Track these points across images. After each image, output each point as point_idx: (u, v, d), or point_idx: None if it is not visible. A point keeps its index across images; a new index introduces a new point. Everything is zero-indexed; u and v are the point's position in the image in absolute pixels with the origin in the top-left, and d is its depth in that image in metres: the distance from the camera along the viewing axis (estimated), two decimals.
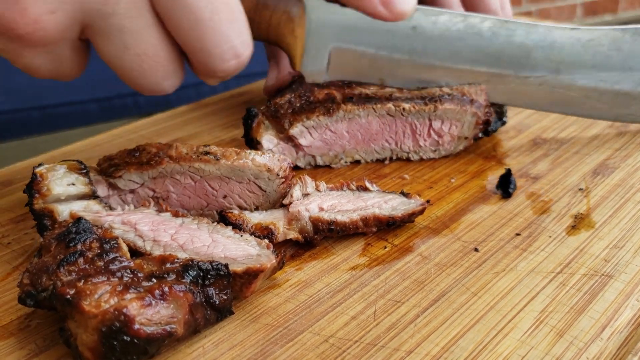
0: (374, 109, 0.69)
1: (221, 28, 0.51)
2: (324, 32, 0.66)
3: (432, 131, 0.71)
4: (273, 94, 0.78)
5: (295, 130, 0.69)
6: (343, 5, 0.62)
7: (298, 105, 0.69)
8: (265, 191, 0.60)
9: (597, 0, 3.52)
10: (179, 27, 0.51)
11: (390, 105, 0.69)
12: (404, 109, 0.68)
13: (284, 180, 0.59)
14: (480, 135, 0.73)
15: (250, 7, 0.61)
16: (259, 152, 0.58)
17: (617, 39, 0.72)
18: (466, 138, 0.72)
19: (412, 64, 0.71)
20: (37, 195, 0.55)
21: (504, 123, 0.76)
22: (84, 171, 0.57)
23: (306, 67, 0.68)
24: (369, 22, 0.58)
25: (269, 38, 0.65)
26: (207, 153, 0.58)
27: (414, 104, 0.69)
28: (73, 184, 0.56)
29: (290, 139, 0.70)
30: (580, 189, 0.65)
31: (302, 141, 0.70)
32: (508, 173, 0.65)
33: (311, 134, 0.70)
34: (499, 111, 0.75)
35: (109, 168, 0.58)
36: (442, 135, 0.71)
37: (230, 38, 0.52)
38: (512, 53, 0.71)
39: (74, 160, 0.58)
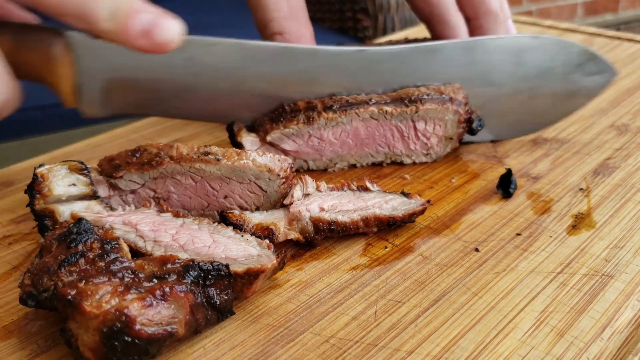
0: (356, 113, 0.67)
1: None
2: (94, 68, 0.62)
3: (419, 133, 0.70)
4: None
5: (273, 136, 0.67)
6: None
7: (276, 114, 0.68)
8: (266, 191, 0.60)
9: None
10: None
11: (372, 108, 0.67)
12: (386, 111, 0.67)
13: (284, 180, 0.59)
14: (465, 135, 0.71)
15: (9, 48, 0.58)
16: (260, 153, 0.58)
17: (407, 58, 0.69)
18: (451, 138, 0.70)
19: (193, 96, 0.67)
20: (38, 195, 0.55)
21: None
22: (85, 171, 0.57)
23: (81, 104, 0.64)
24: (142, 55, 0.54)
25: (35, 77, 0.62)
26: (207, 153, 0.58)
27: (396, 106, 0.67)
28: (74, 185, 0.56)
29: (271, 144, 0.69)
30: (581, 189, 0.65)
31: (286, 146, 0.69)
32: (508, 173, 0.65)
33: (294, 141, 0.68)
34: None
35: (110, 168, 0.59)
36: (428, 136, 0.70)
37: None
38: (296, 79, 0.68)
39: (75, 161, 0.58)
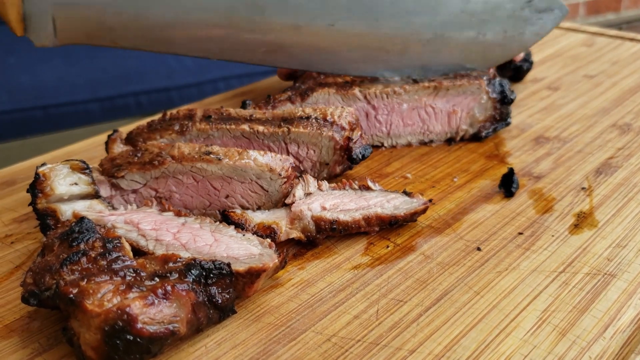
0: (228, 130, 0.64)
1: None
2: None
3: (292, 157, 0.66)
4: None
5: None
6: None
7: (155, 122, 0.66)
8: (267, 191, 0.60)
9: None
10: None
11: (244, 126, 0.64)
12: (258, 131, 0.63)
13: (286, 180, 0.59)
14: (345, 164, 0.66)
15: None
16: (261, 152, 0.58)
17: None
18: (327, 164, 0.66)
19: (140, 25, 0.66)
20: (40, 194, 0.55)
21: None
22: (87, 171, 0.57)
23: (31, 32, 0.64)
24: None
25: None
26: (209, 153, 0.58)
27: (268, 127, 0.64)
28: (76, 184, 0.56)
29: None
30: (583, 188, 0.65)
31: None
32: (510, 172, 0.65)
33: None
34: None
35: (112, 168, 0.59)
36: (301, 160, 0.65)
37: None
38: (245, 10, 0.67)
39: (76, 160, 0.58)
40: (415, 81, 0.74)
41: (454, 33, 0.73)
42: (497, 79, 0.74)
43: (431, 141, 0.77)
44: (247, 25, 0.68)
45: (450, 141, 0.77)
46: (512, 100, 0.74)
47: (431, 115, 0.75)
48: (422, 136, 0.76)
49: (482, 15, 0.72)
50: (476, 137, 0.76)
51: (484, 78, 0.73)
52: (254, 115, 0.65)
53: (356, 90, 0.73)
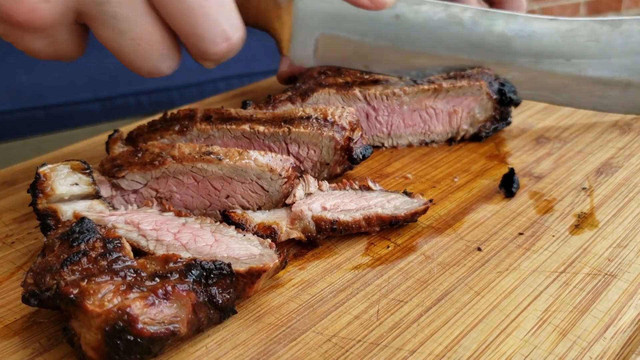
0: (229, 130, 0.64)
1: (211, 13, 0.54)
2: (311, 19, 0.70)
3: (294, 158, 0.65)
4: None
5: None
6: None
7: (156, 122, 0.67)
8: (267, 191, 0.60)
9: None
10: (171, 14, 0.54)
11: (245, 126, 0.64)
12: (258, 131, 0.64)
13: (286, 180, 0.59)
14: (346, 164, 0.66)
15: None
16: (262, 152, 0.58)
17: (595, 30, 0.74)
18: (327, 164, 0.66)
19: (396, 51, 0.74)
20: (40, 195, 0.55)
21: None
22: (88, 171, 0.57)
23: (294, 52, 0.73)
24: (354, 11, 0.62)
25: (258, 23, 0.69)
26: (209, 153, 0.58)
27: (268, 127, 0.64)
28: (76, 184, 0.56)
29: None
30: (584, 188, 0.65)
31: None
32: (511, 172, 0.65)
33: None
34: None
35: (112, 168, 0.59)
36: (301, 160, 0.66)
37: (220, 22, 0.55)
38: (492, 42, 0.74)
39: (77, 160, 0.58)
40: (415, 82, 0.74)
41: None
42: (498, 80, 0.74)
43: (432, 141, 0.77)
44: (493, 60, 0.76)
45: (450, 141, 0.77)
46: (512, 100, 0.74)
47: (432, 116, 0.75)
48: (423, 136, 0.76)
49: None
50: (476, 137, 0.76)
51: (485, 79, 0.73)
52: (255, 116, 0.65)
53: (356, 91, 0.73)
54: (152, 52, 0.57)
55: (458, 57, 0.74)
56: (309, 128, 0.63)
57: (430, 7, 0.72)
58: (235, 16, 0.57)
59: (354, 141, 0.65)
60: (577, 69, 0.75)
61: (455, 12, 0.73)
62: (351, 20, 0.72)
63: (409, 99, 0.74)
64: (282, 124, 0.64)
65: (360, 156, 0.66)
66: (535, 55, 0.75)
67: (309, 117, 0.64)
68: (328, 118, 0.64)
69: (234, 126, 0.64)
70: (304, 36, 0.72)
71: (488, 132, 0.76)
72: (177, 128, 0.64)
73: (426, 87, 0.73)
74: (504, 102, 0.74)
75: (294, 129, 0.63)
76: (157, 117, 0.69)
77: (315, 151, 0.65)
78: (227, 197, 0.60)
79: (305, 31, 0.72)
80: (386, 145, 0.76)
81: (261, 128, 0.64)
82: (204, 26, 0.55)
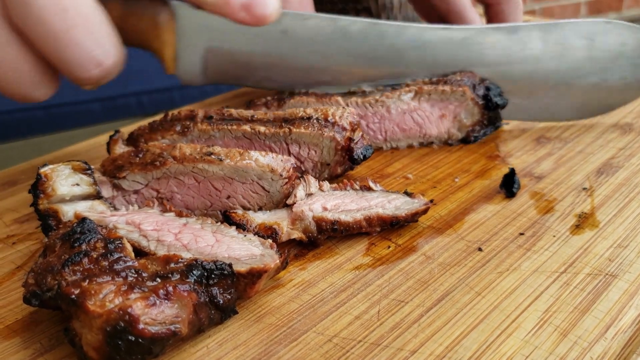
0: (230, 130, 0.64)
1: (78, 40, 0.53)
2: (195, 37, 0.68)
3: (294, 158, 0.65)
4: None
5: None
6: None
7: (157, 122, 0.66)
8: (268, 191, 0.60)
9: None
10: (36, 41, 0.53)
11: (246, 127, 0.64)
12: (259, 131, 0.63)
13: (287, 180, 0.59)
14: (347, 165, 0.66)
15: (118, 15, 0.63)
16: (262, 153, 0.58)
17: (491, 38, 0.73)
18: (328, 165, 0.66)
19: (285, 67, 0.72)
20: (41, 195, 0.55)
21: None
22: (89, 171, 0.57)
23: (180, 71, 0.70)
24: (240, 27, 0.59)
25: (140, 44, 0.67)
26: (210, 154, 0.58)
27: (269, 127, 0.64)
28: (77, 185, 0.56)
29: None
30: (585, 188, 0.65)
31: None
32: (512, 172, 0.65)
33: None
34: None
35: (113, 169, 0.59)
36: (302, 160, 0.65)
37: (90, 48, 0.53)
38: (383, 54, 0.72)
39: (78, 161, 0.58)
40: (394, 88, 0.74)
41: (578, 79, 0.76)
42: (483, 84, 0.74)
43: (431, 143, 0.77)
44: (387, 72, 0.74)
45: (449, 142, 0.77)
46: (498, 105, 0.74)
47: (424, 119, 0.75)
48: (421, 139, 0.76)
49: (605, 62, 0.75)
50: (466, 141, 0.76)
51: (468, 83, 0.73)
52: (256, 116, 0.65)
53: (339, 99, 0.73)
54: (23, 80, 0.55)
55: (351, 70, 0.73)
56: (310, 128, 0.63)
57: (317, 22, 0.70)
58: (108, 40, 0.55)
59: (355, 141, 0.65)
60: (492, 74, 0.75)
61: (343, 25, 0.71)
62: (237, 36, 0.70)
63: (394, 103, 0.73)
64: (283, 124, 0.64)
65: (361, 156, 0.66)
66: (429, 66, 0.73)
67: (309, 118, 0.64)
68: (329, 118, 0.64)
69: (235, 127, 0.64)
70: (189, 54, 0.69)
71: (477, 137, 0.76)
72: (178, 128, 0.64)
73: (406, 89, 0.73)
74: (490, 107, 0.73)
75: (294, 130, 0.63)
76: (158, 117, 0.69)
77: (316, 152, 0.65)
78: (228, 197, 0.60)
79: (190, 49, 0.69)
80: (385, 148, 0.76)
81: (262, 128, 0.64)
82: (72, 53, 0.53)
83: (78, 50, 0.53)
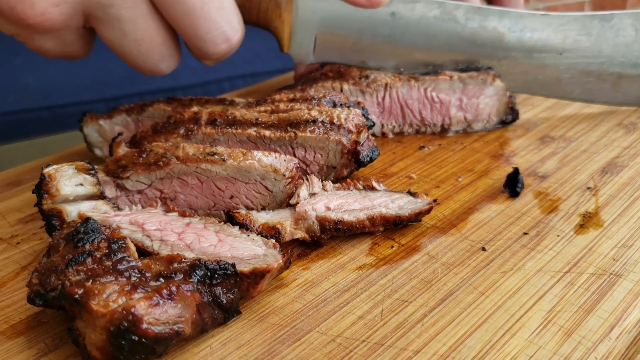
0: (234, 134, 0.63)
1: (211, 16, 0.57)
2: (310, 18, 0.73)
3: (300, 163, 0.65)
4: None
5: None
6: None
7: (160, 125, 0.66)
8: (271, 191, 0.60)
9: None
10: (173, 16, 0.57)
11: (251, 131, 0.63)
12: (264, 135, 0.63)
13: (290, 180, 0.59)
14: (353, 167, 0.66)
15: None
16: (265, 153, 0.58)
17: (586, 24, 0.76)
18: (334, 168, 0.66)
19: (392, 47, 0.77)
20: (45, 195, 0.55)
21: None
22: (92, 172, 0.58)
23: (294, 49, 0.76)
24: (351, 9, 0.65)
25: (259, 22, 0.72)
26: (213, 154, 0.58)
27: (274, 131, 0.63)
28: (81, 185, 0.56)
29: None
30: (589, 188, 0.65)
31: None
32: (515, 172, 0.65)
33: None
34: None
35: (117, 169, 0.59)
36: (308, 164, 0.65)
37: (220, 24, 0.58)
38: (485, 37, 0.76)
39: (82, 161, 0.58)
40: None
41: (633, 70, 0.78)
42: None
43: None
44: (487, 54, 0.78)
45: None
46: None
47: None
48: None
49: None
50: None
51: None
52: (260, 119, 0.64)
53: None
54: (154, 52, 0.59)
55: (452, 52, 0.77)
56: (316, 132, 0.63)
57: (424, 5, 0.75)
58: (235, 18, 0.59)
59: (361, 144, 0.65)
60: (569, 62, 0.77)
61: (449, 9, 0.75)
62: (348, 18, 0.74)
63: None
64: (289, 128, 0.63)
65: (367, 159, 0.66)
66: (527, 50, 0.76)
67: (314, 121, 0.63)
68: (334, 121, 0.64)
69: (239, 130, 0.64)
70: (303, 34, 0.75)
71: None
72: (181, 131, 0.64)
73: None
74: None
75: (300, 134, 0.63)
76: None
77: (322, 155, 0.65)
78: (231, 197, 0.60)
79: (304, 29, 0.74)
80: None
81: (267, 132, 0.63)
82: (205, 28, 0.57)
83: (210, 25, 0.57)
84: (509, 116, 0.79)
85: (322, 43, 0.76)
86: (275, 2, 0.72)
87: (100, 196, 0.57)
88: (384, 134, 0.80)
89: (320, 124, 0.63)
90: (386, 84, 0.76)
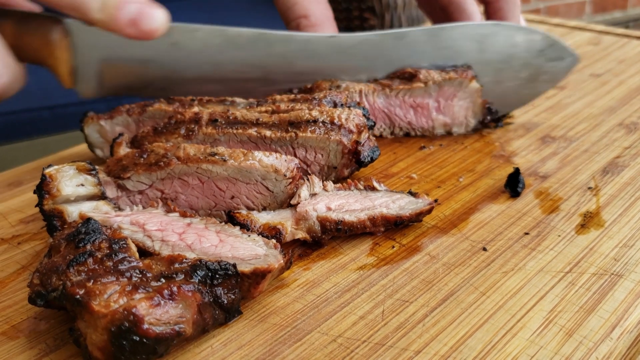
0: (235, 134, 0.63)
1: None
2: (90, 52, 0.69)
3: (301, 163, 0.65)
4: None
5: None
6: None
7: (162, 125, 0.66)
8: (272, 192, 0.60)
9: None
10: None
11: (251, 131, 0.63)
12: (265, 136, 0.63)
13: (291, 180, 0.59)
14: (353, 167, 0.67)
15: (11, 33, 0.64)
16: (266, 153, 0.59)
17: (378, 44, 0.75)
18: (335, 168, 0.66)
19: (178, 78, 0.73)
20: (46, 196, 0.55)
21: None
22: (93, 172, 0.58)
23: (79, 84, 0.71)
24: (131, 41, 0.60)
25: (36, 61, 0.68)
26: (214, 154, 0.58)
27: (275, 131, 0.63)
28: (82, 185, 0.56)
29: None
30: (590, 188, 0.65)
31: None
32: (516, 172, 0.65)
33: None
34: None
35: (118, 169, 0.59)
36: (308, 164, 0.65)
37: None
38: (274, 63, 0.73)
39: (83, 161, 0.58)
40: (375, 80, 0.77)
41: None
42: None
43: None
44: (281, 79, 0.75)
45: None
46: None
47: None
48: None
49: (497, 64, 0.77)
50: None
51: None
52: (261, 120, 0.64)
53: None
54: None
55: (242, 78, 0.74)
56: (316, 132, 0.63)
57: (205, 34, 0.71)
58: (4, 60, 0.57)
59: (362, 144, 0.65)
60: (366, 80, 0.77)
61: (231, 36, 0.71)
62: (130, 50, 0.70)
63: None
64: (289, 128, 0.63)
65: (368, 159, 0.65)
66: (319, 74, 0.75)
67: (315, 121, 0.63)
68: (335, 121, 0.64)
69: (240, 131, 0.64)
70: (85, 69, 0.70)
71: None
72: (182, 132, 0.64)
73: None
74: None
75: (300, 134, 0.63)
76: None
77: (322, 155, 0.65)
78: (232, 197, 0.60)
79: (85, 64, 0.70)
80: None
81: (268, 133, 0.63)
82: None
83: None
84: (487, 117, 0.78)
85: (108, 77, 0.72)
86: (47, 41, 0.67)
87: (101, 196, 0.57)
88: (381, 135, 0.79)
89: (321, 124, 0.63)
90: (360, 91, 0.75)
